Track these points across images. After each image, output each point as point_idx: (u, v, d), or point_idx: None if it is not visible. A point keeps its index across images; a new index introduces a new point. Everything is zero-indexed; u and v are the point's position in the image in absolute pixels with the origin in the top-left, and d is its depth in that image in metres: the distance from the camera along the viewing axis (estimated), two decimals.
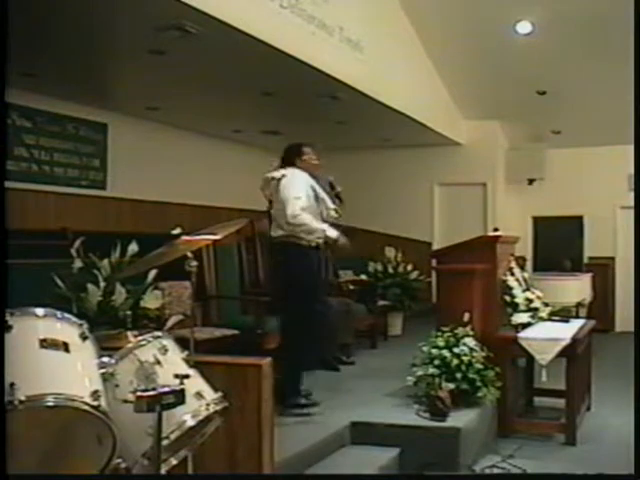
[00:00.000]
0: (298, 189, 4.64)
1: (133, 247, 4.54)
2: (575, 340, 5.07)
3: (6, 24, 2.63)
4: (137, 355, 2.46)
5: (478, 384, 4.87)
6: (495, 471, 4.40)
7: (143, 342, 2.53)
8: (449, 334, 5.04)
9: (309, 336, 4.73)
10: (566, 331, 5.27)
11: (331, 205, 4.87)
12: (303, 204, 4.60)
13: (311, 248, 4.70)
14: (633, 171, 7.51)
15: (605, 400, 6.03)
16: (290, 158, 4.86)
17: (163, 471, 2.45)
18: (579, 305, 8.40)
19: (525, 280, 5.94)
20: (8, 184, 5.96)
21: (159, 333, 2.67)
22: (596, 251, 11.16)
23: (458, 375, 4.83)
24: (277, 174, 4.77)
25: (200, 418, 2.51)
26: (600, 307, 9.87)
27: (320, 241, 4.74)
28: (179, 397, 2.29)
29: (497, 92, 10.00)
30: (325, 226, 4.67)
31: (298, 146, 4.92)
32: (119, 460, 2.27)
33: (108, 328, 3.94)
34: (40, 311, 2.27)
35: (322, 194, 4.82)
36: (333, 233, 4.66)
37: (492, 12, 8.52)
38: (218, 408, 2.59)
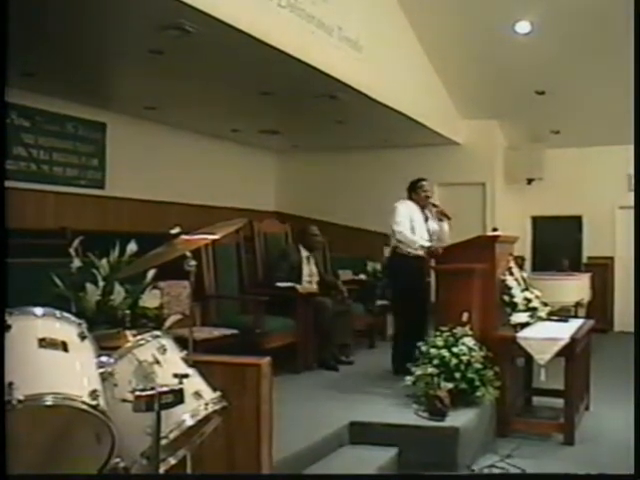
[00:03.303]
0: (400, 215, 5.98)
1: (132, 246, 4.52)
2: (574, 340, 5.07)
3: (6, 24, 2.62)
4: (136, 354, 2.46)
5: (477, 384, 4.87)
6: (494, 471, 4.40)
7: (142, 341, 2.53)
8: (448, 334, 5.04)
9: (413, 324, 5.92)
10: (565, 331, 5.27)
11: (425, 236, 5.98)
12: (404, 226, 5.92)
13: (412, 257, 5.90)
14: (633, 171, 7.53)
15: (604, 400, 6.03)
16: (408, 191, 6.20)
17: (162, 471, 2.44)
18: (578, 305, 8.40)
19: (524, 280, 5.94)
20: (7, 183, 5.95)
21: (158, 332, 2.66)
22: (595, 251, 11.16)
23: (457, 375, 4.83)
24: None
25: (199, 418, 2.50)
26: (599, 307, 9.88)
27: (420, 252, 5.84)
28: (178, 396, 2.29)
29: (496, 92, 10.00)
30: (418, 238, 5.87)
31: (416, 182, 6.21)
32: (118, 459, 2.26)
33: (107, 327, 3.93)
34: (39, 310, 2.26)
35: (418, 225, 6.02)
36: (426, 243, 5.86)
37: (491, 12, 8.52)
38: (217, 408, 2.59)
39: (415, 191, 6.18)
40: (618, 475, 3.69)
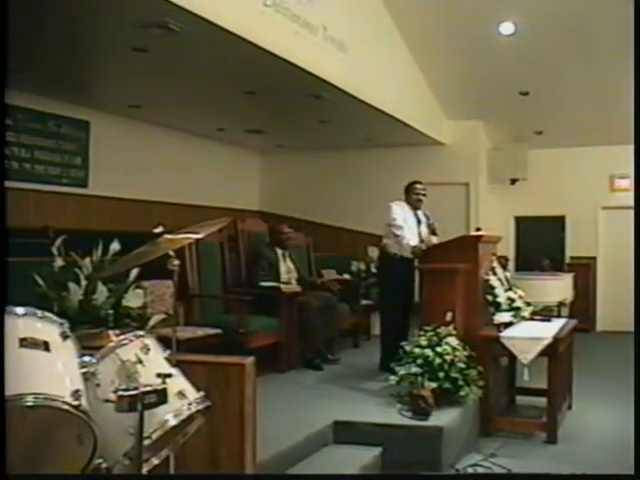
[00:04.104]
0: (395, 213, 6.12)
1: (115, 246, 4.50)
2: (557, 339, 5.10)
3: (6, 25, 2.58)
4: (119, 354, 2.44)
5: (460, 383, 4.88)
6: (478, 470, 4.42)
7: (125, 341, 2.51)
8: (432, 333, 5.06)
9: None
10: (548, 330, 5.30)
11: (415, 237, 6.07)
12: (400, 222, 6.06)
13: (397, 259, 6.06)
14: (633, 171, 7.61)
15: (586, 399, 6.07)
16: (404, 193, 6.36)
17: (144, 471, 2.43)
18: (561, 304, 8.46)
19: (507, 279, 5.97)
20: None
21: (141, 332, 2.65)
22: (578, 251, 11.23)
23: (440, 374, 4.85)
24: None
25: (182, 417, 2.49)
26: (581, 307, 9.95)
27: (405, 254, 5.97)
28: (161, 396, 2.27)
29: (480, 92, 10.03)
30: (409, 236, 5.99)
31: (411, 184, 6.39)
32: (100, 460, 2.25)
33: (89, 327, 3.91)
34: (20, 310, 2.24)
35: (409, 226, 6.12)
36: (413, 242, 5.98)
37: (475, 13, 8.55)
38: (200, 407, 2.58)
39: (408, 193, 6.33)
40: (618, 475, 3.70)
